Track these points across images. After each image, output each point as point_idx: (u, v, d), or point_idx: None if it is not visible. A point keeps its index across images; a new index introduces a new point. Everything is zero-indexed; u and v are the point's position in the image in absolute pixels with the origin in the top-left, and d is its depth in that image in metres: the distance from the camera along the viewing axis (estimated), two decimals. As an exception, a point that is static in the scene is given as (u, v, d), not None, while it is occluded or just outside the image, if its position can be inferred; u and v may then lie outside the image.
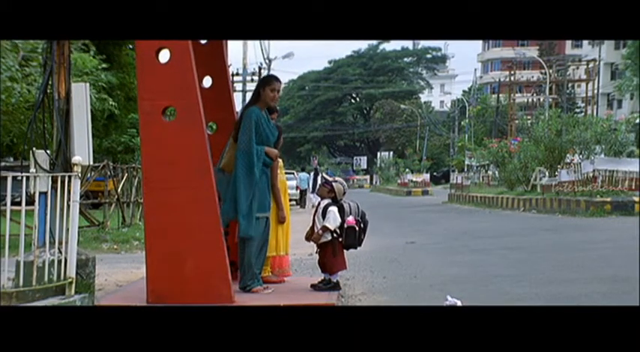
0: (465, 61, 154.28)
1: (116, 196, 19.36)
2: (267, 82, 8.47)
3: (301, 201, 38.35)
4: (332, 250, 8.32)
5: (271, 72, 47.32)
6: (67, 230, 7.29)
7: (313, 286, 8.37)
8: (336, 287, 8.34)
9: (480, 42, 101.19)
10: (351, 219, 8.28)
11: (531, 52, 75.12)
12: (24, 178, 7.36)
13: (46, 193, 7.35)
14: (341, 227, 8.27)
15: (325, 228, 8.27)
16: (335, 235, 8.29)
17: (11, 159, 22.10)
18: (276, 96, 8.44)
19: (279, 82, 8.56)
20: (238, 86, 45.34)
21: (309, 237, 8.48)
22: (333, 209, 8.30)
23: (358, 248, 8.50)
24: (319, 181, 42.06)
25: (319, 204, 8.50)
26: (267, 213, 8.28)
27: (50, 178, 7.36)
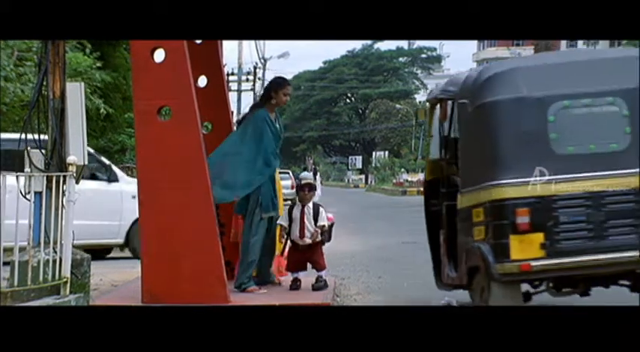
0: (460, 60, 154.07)
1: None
2: (282, 85, 8.47)
3: None
4: (321, 248, 8.49)
5: (266, 72, 47.34)
6: (62, 229, 7.27)
7: (313, 287, 8.37)
8: (326, 284, 8.46)
9: (475, 41, 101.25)
10: (330, 215, 8.57)
11: (526, 51, 75.16)
12: (18, 178, 7.33)
13: (40, 193, 7.33)
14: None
15: (323, 227, 8.38)
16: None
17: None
18: (288, 100, 8.56)
19: (291, 85, 8.70)
20: (233, 86, 45.32)
21: (303, 236, 8.47)
22: (322, 208, 8.50)
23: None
24: (318, 179, 42.17)
25: (305, 206, 8.47)
26: (270, 213, 8.35)
27: (45, 178, 7.34)
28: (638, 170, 6.51)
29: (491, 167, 6.69)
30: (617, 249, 6.51)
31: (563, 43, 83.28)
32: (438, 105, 7.97)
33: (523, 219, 6.46)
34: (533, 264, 6.44)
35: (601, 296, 7.61)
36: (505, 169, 6.60)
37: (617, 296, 7.81)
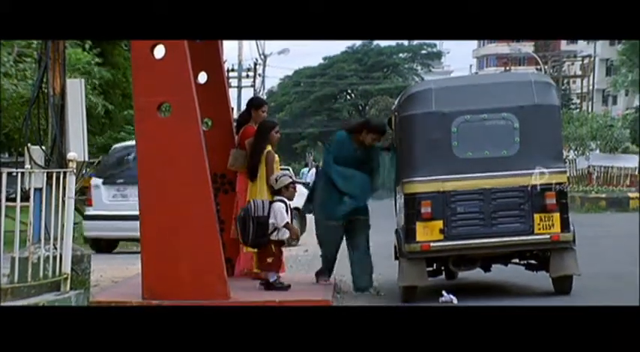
0: (460, 57, 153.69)
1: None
2: (372, 127, 8.81)
3: None
4: None
5: (266, 68, 47.25)
6: (62, 226, 7.28)
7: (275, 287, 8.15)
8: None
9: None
10: None
11: (527, 48, 75.05)
12: (19, 174, 7.34)
13: (41, 189, 7.34)
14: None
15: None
16: None
17: (6, 155, 22.02)
18: (370, 142, 8.81)
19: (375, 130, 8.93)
20: (234, 82, 45.23)
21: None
22: None
23: None
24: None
25: (288, 203, 8.44)
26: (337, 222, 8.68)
27: (45, 174, 7.35)
28: (523, 171, 7.91)
29: (408, 167, 8.21)
30: (502, 234, 7.96)
31: (564, 42, 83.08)
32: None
33: (426, 209, 7.91)
34: (432, 244, 7.93)
35: (597, 294, 7.83)
36: (416, 169, 8.09)
37: (613, 293, 7.86)
